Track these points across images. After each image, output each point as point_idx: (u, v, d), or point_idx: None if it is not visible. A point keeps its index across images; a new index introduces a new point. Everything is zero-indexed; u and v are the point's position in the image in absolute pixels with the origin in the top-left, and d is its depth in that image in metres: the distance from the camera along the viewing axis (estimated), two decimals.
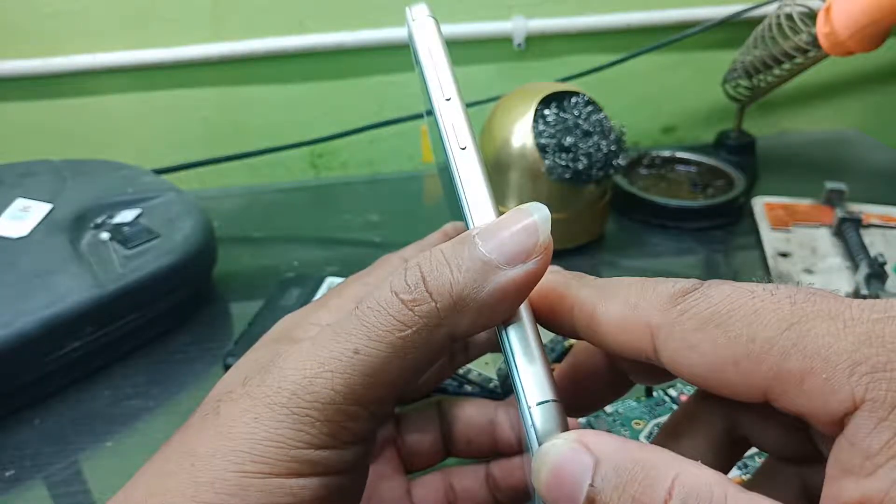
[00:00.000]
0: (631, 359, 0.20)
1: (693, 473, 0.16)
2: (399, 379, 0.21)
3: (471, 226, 0.21)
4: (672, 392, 0.40)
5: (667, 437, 0.23)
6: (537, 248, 0.20)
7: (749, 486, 0.23)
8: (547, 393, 0.19)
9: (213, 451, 0.20)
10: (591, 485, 0.17)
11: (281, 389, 0.20)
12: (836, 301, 0.17)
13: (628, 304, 0.20)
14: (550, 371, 0.20)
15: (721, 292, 0.18)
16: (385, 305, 0.20)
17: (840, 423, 0.16)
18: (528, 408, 0.19)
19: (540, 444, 0.18)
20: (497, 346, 0.21)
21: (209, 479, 0.19)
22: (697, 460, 0.17)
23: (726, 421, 0.22)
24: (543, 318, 0.22)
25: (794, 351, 0.17)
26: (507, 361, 0.20)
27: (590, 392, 0.24)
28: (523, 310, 0.21)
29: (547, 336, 0.22)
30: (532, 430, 0.19)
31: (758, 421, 0.21)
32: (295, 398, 0.20)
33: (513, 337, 0.20)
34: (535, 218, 0.20)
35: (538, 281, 0.20)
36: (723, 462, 0.22)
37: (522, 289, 0.20)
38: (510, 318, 0.20)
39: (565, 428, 0.19)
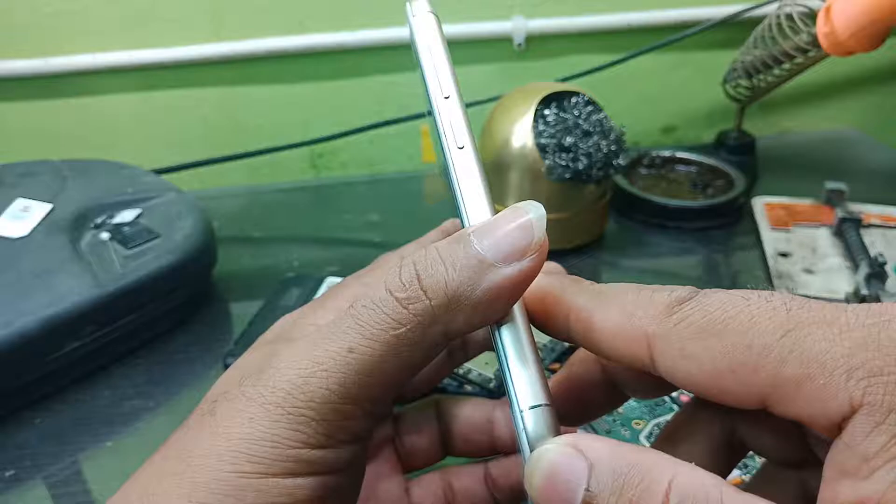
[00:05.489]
0: (627, 367, 0.20)
1: (689, 475, 0.16)
2: (394, 377, 0.20)
3: (466, 224, 0.21)
4: (672, 392, 0.40)
5: (665, 442, 0.23)
6: (532, 247, 0.20)
7: (748, 488, 0.23)
8: (539, 397, 0.19)
9: (209, 451, 0.20)
10: (587, 489, 0.17)
11: (276, 389, 0.20)
12: (831, 307, 0.17)
13: (625, 312, 0.19)
14: (544, 375, 0.20)
15: (717, 300, 0.18)
16: (379, 304, 0.20)
17: (838, 428, 0.16)
18: (521, 412, 0.19)
19: (532, 449, 0.18)
20: None
21: (205, 480, 0.19)
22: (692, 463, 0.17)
23: (725, 426, 0.22)
24: (539, 321, 0.22)
25: (791, 357, 0.17)
26: (500, 364, 0.20)
27: (585, 403, 0.24)
28: (518, 312, 0.21)
29: (546, 336, 0.22)
30: (524, 435, 0.19)
31: (755, 426, 0.22)
32: (290, 398, 0.20)
33: (506, 339, 0.20)
34: (530, 216, 0.20)
35: (533, 279, 0.20)
36: (721, 467, 0.22)
37: (517, 287, 0.20)
38: (504, 317, 0.20)
39: (557, 432, 0.19)
